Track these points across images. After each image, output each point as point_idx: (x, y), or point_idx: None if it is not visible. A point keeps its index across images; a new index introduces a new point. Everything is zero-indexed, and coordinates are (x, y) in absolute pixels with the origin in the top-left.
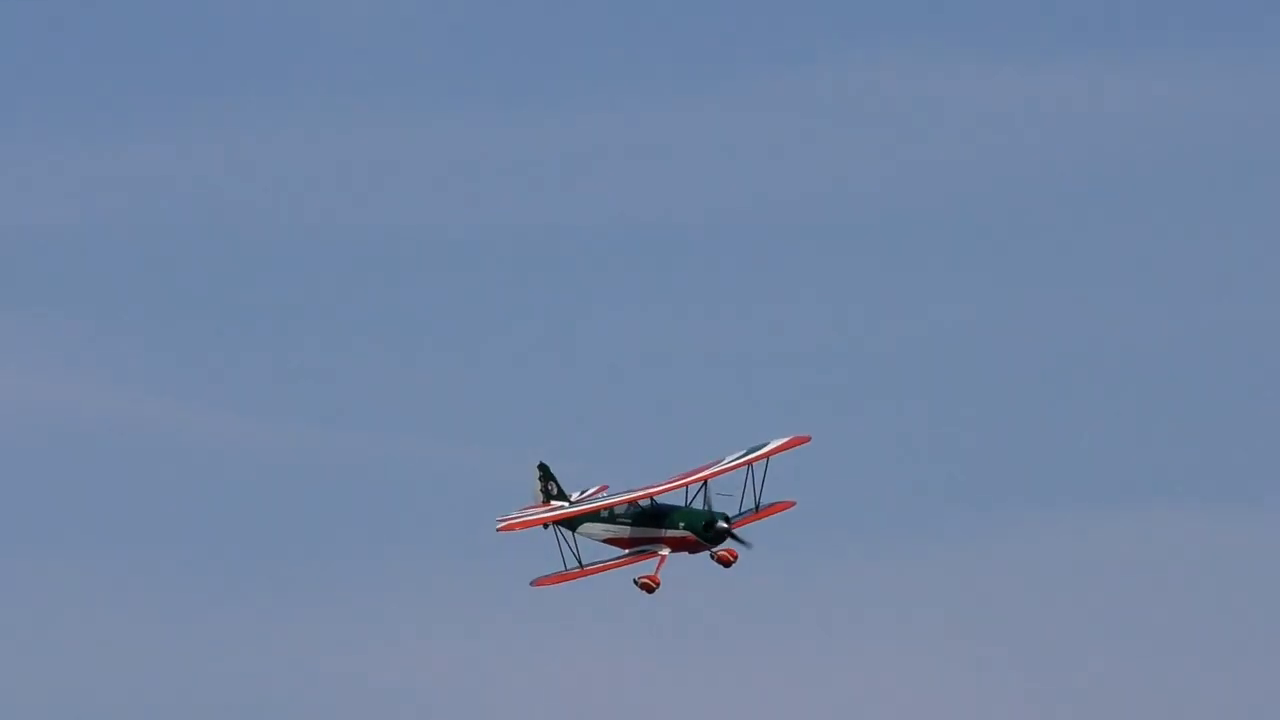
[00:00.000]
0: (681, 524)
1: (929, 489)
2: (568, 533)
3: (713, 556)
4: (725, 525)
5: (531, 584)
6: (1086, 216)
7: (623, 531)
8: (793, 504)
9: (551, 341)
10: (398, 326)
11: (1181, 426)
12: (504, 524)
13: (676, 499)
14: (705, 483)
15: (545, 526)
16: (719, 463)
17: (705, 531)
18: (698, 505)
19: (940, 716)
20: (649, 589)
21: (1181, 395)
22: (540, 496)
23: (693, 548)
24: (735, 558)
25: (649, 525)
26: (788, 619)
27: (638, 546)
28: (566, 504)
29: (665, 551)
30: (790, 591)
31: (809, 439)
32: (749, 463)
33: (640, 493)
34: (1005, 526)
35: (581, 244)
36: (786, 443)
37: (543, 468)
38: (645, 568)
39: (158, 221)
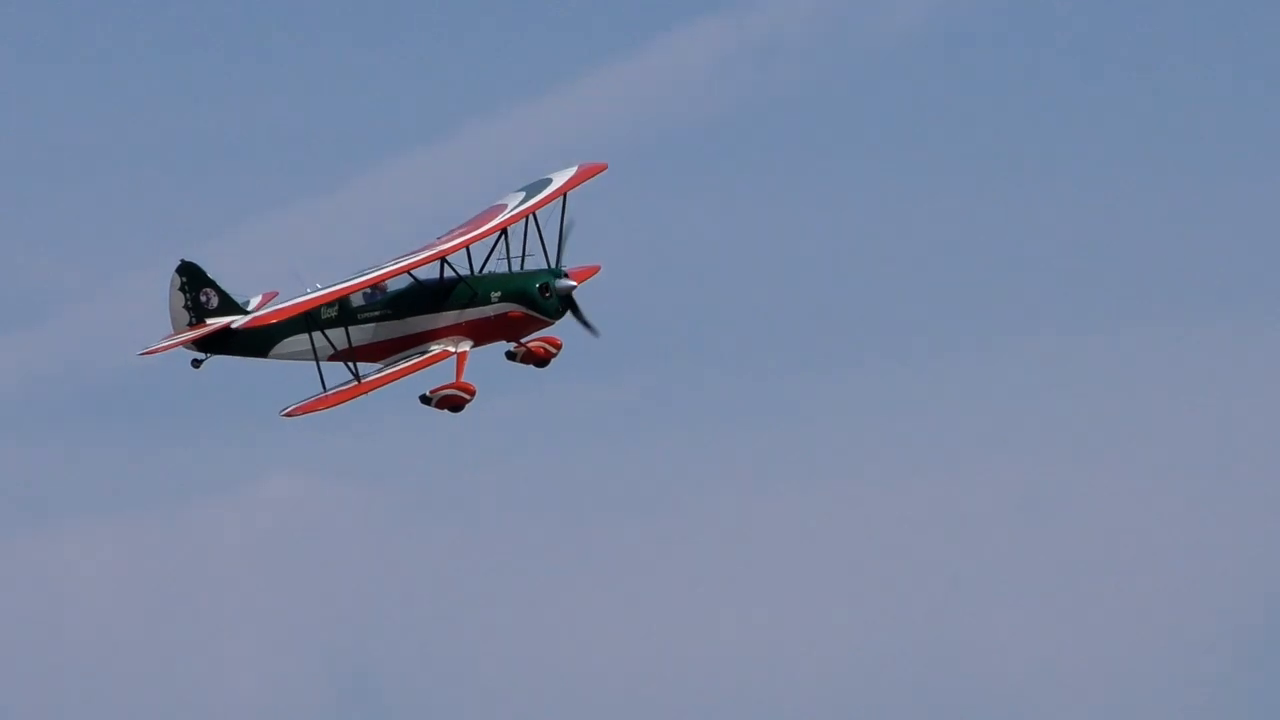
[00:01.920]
0: (496, 294)
1: None
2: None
3: (517, 352)
4: (571, 285)
5: (282, 414)
6: None
7: (371, 333)
8: (597, 269)
9: None
10: None
11: None
12: (148, 350)
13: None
14: (503, 233)
15: (197, 363)
16: (502, 210)
17: (544, 297)
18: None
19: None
20: (458, 403)
21: None
22: (187, 315)
23: (508, 332)
24: (556, 350)
25: (422, 311)
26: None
27: (402, 352)
28: (241, 312)
29: (465, 346)
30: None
31: (604, 167)
32: (535, 208)
33: (392, 268)
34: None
35: None
36: (578, 174)
37: (188, 270)
38: (439, 375)
39: None
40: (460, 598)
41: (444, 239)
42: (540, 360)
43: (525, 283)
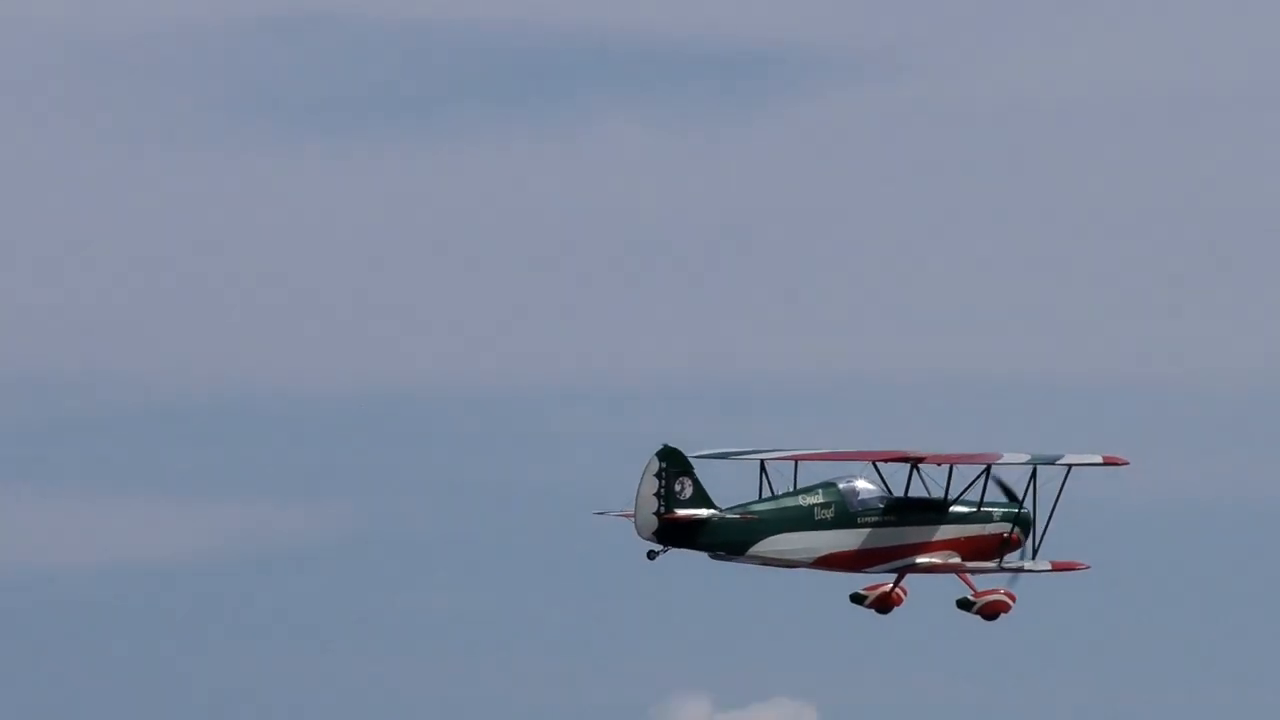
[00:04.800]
0: (999, 513)
1: None
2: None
3: (975, 602)
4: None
5: None
6: None
7: (863, 539)
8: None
9: None
10: None
11: None
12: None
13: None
14: (988, 469)
15: (652, 556)
16: (997, 457)
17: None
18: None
19: None
20: (1002, 610)
21: None
22: (656, 503)
23: (995, 552)
24: (1010, 606)
25: (923, 523)
26: None
27: (891, 561)
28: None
29: (954, 559)
30: None
31: (1126, 463)
32: (1030, 469)
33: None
34: None
35: None
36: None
37: (670, 455)
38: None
39: None
40: None
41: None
42: (993, 615)
43: (1026, 513)
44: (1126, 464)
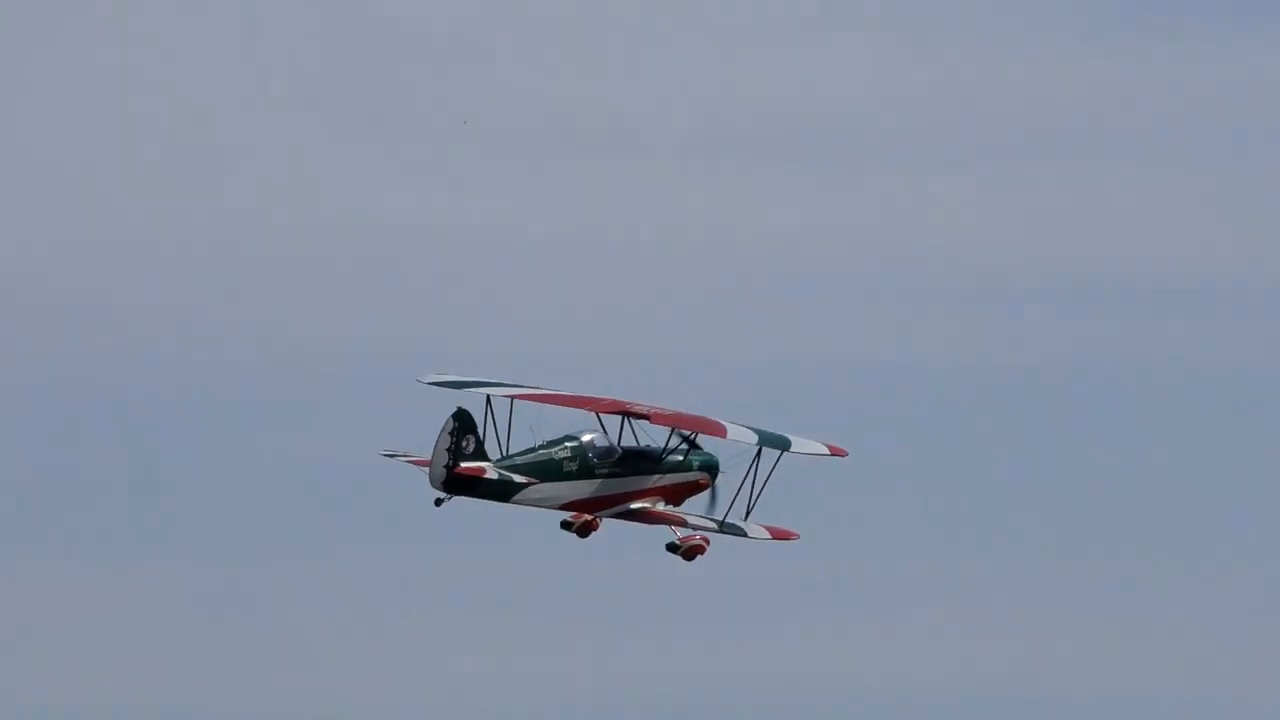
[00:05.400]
0: (697, 463)
1: None
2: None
3: (680, 545)
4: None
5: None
6: None
7: (597, 488)
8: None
9: None
10: None
11: None
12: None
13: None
14: (691, 436)
15: (439, 501)
16: (723, 427)
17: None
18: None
19: None
20: (701, 553)
21: None
22: (446, 457)
23: (687, 495)
24: (705, 550)
25: (642, 473)
26: None
27: (615, 507)
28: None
29: (660, 506)
30: None
31: (845, 453)
32: (754, 450)
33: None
34: None
35: None
36: (821, 450)
37: (462, 417)
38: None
39: None
40: None
41: (649, 406)
42: (692, 556)
43: (715, 459)
44: (845, 455)
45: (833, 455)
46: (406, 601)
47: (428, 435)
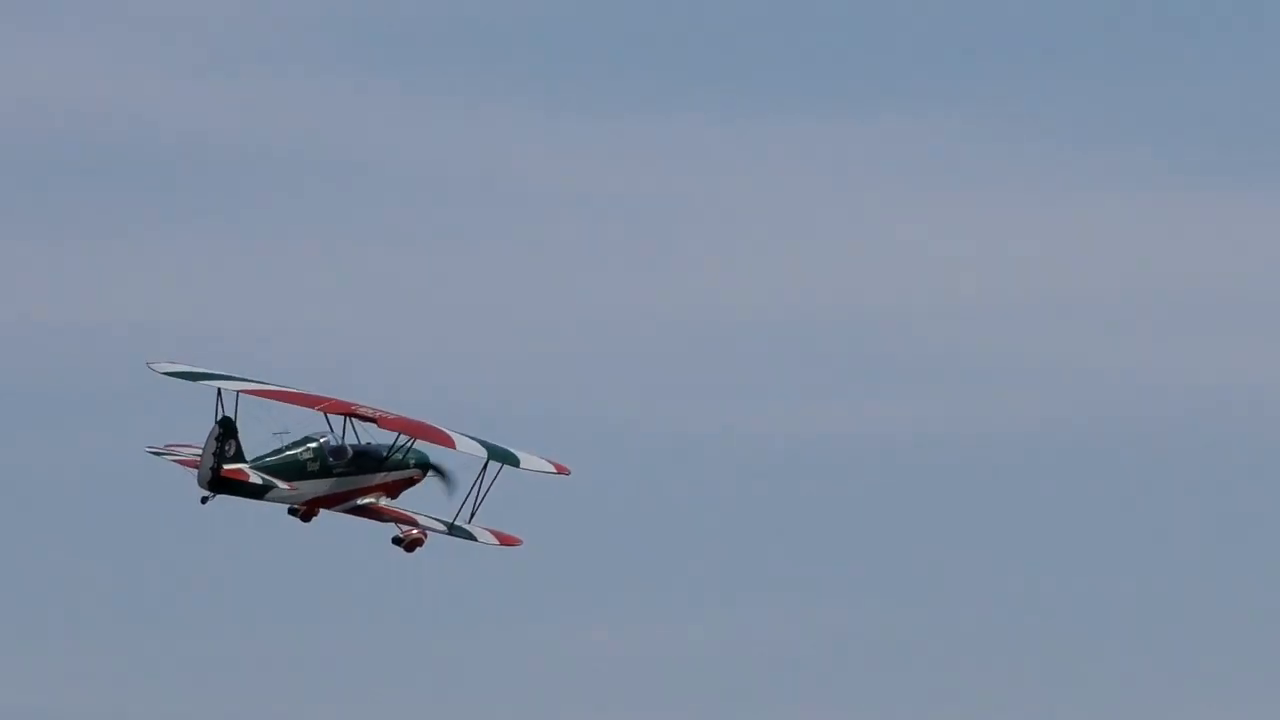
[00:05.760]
0: (413, 460)
1: None
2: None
3: (404, 539)
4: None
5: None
6: None
7: (331, 485)
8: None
9: None
10: None
11: None
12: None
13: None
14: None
15: (205, 501)
16: (448, 438)
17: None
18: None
19: None
20: (420, 545)
21: None
22: (213, 460)
23: (402, 490)
24: (423, 543)
25: (369, 471)
26: None
27: (345, 503)
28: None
29: (384, 501)
30: None
31: (568, 472)
32: (477, 459)
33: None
34: None
35: None
36: (547, 468)
37: (227, 424)
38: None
39: None
40: None
41: (375, 409)
42: (413, 548)
43: (427, 455)
44: (569, 473)
45: (558, 473)
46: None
47: (166, 426)
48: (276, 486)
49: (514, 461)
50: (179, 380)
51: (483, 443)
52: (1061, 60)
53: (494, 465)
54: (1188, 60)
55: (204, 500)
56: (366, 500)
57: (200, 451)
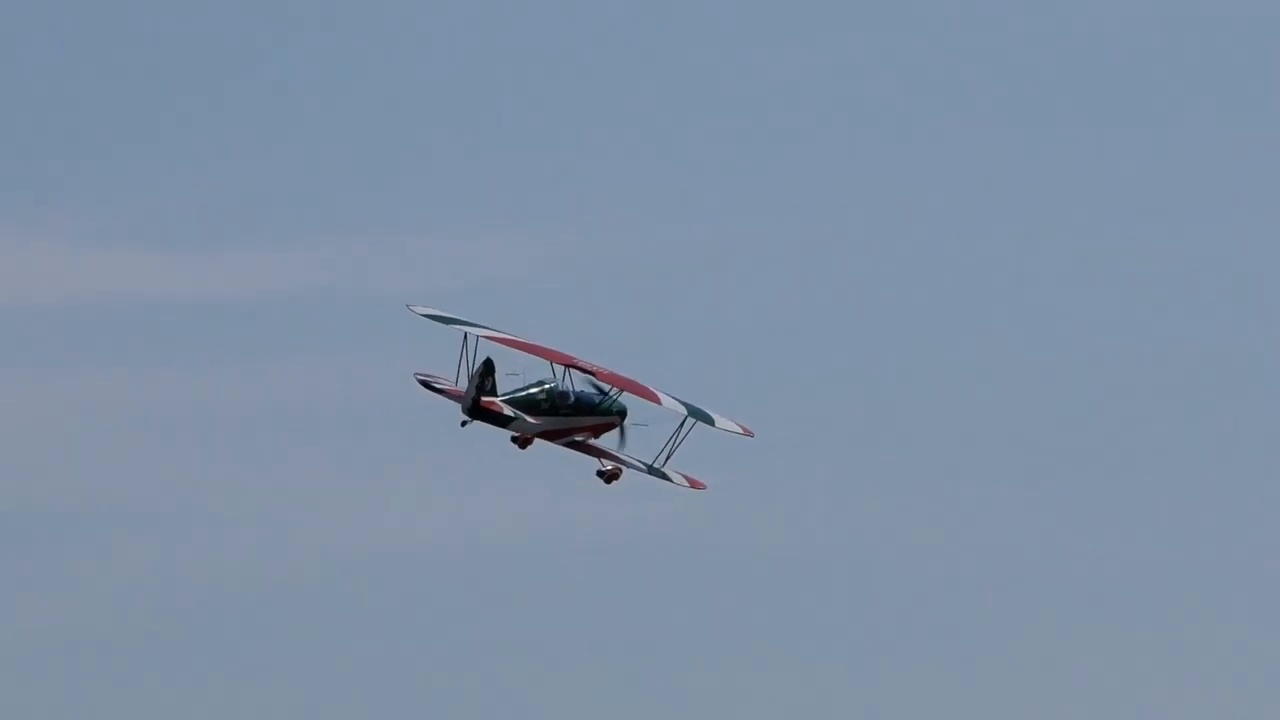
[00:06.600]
0: (616, 408)
1: None
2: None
3: (606, 472)
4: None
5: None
6: None
7: (555, 423)
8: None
9: None
10: None
11: None
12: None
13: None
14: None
15: (464, 424)
16: (656, 396)
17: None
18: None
19: None
20: (620, 476)
21: None
22: (474, 391)
23: (603, 432)
24: (622, 474)
25: (583, 414)
26: None
27: (562, 439)
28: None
29: (591, 440)
30: None
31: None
32: (679, 418)
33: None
34: None
35: None
36: (736, 427)
37: (488, 364)
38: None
39: None
40: None
41: (592, 363)
42: (611, 480)
43: (625, 406)
44: (753, 435)
45: (744, 435)
46: None
47: (419, 357)
48: (522, 418)
49: (709, 420)
50: (433, 322)
51: (682, 402)
52: None
53: (689, 422)
54: None
55: (463, 424)
56: (580, 437)
57: (463, 385)
